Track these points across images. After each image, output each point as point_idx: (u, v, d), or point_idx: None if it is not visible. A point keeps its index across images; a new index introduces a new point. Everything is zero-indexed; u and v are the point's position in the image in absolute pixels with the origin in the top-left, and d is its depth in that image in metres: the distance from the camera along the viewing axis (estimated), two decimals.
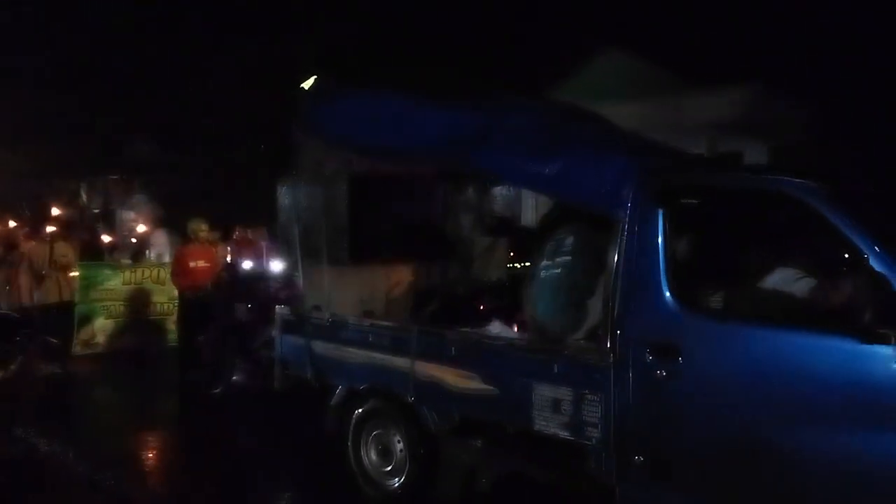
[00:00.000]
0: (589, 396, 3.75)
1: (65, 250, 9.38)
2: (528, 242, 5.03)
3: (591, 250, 4.14)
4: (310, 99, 5.25)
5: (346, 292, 5.13)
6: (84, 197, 20.30)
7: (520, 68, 20.34)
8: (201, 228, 8.62)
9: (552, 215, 4.87)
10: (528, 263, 5.16)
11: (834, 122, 15.21)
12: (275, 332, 5.47)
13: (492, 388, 4.14)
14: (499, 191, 5.52)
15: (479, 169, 4.29)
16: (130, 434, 6.72)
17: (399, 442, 4.74)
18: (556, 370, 3.87)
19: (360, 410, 4.94)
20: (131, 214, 17.80)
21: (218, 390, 7.86)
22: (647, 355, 3.57)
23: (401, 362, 4.56)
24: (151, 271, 9.94)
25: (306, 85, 6.23)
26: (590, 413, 3.75)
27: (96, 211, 20.58)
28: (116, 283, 9.60)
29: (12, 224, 13.08)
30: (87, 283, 9.49)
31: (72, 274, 9.39)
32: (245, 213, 15.87)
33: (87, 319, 9.45)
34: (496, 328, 4.36)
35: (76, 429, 6.88)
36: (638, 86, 15.61)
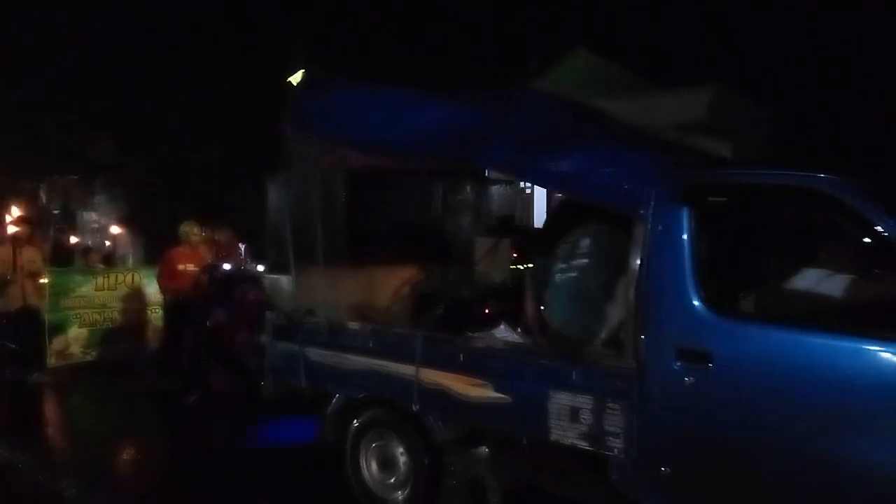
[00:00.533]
0: (611, 405, 3.53)
1: (33, 255, 8.67)
2: (530, 243, 4.83)
3: (608, 252, 3.94)
4: (300, 92, 4.96)
5: (341, 295, 4.84)
6: (43, 197, 19.66)
7: (489, 66, 20.30)
8: (193, 231, 8.22)
9: (559, 215, 4.67)
10: (531, 265, 4.98)
11: (791, 120, 15.48)
12: (264, 338, 5.20)
13: (505, 396, 3.89)
14: (496, 189, 5.31)
15: (489, 166, 4.06)
16: (99, 446, 6.34)
17: (402, 454, 4.48)
18: (575, 377, 3.64)
19: (359, 420, 4.66)
20: (93, 215, 17.27)
21: (193, 398, 7.48)
22: (675, 361, 3.37)
23: (404, 370, 4.29)
24: (126, 276, 9.44)
25: (295, 79, 5.96)
26: (612, 422, 3.53)
27: (56, 212, 20.01)
28: (89, 289, 9.01)
29: None
30: (58, 291, 8.84)
31: (41, 281, 8.67)
32: (209, 213, 15.53)
33: (59, 329, 8.84)
34: (502, 332, 4.14)
35: (40, 440, 6.56)
36: (606, 85, 15.66)
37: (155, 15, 20.03)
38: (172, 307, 8.23)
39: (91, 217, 18.32)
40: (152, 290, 8.96)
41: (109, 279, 9.17)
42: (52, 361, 8.66)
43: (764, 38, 17.34)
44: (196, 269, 8.14)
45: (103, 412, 7.65)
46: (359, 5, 19.64)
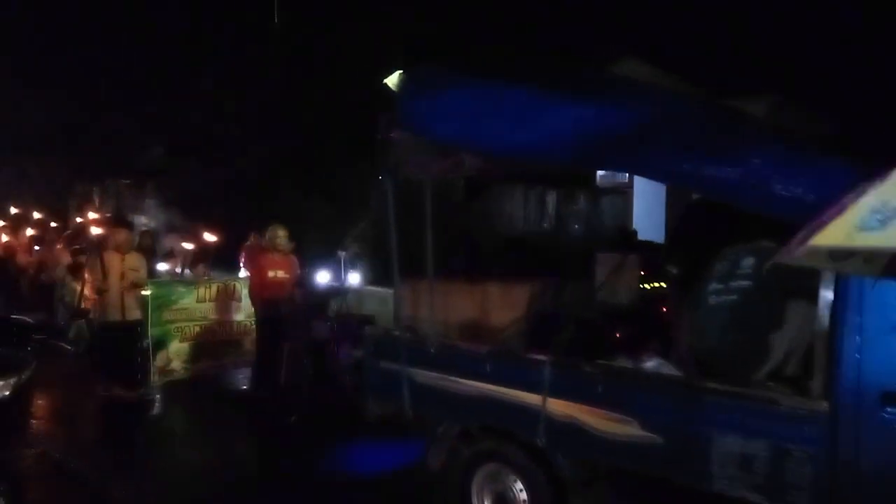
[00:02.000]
0: (795, 452, 2.93)
1: (136, 263, 7.88)
2: (668, 260, 4.27)
3: (776, 274, 3.37)
4: (409, 92, 4.49)
5: (450, 312, 4.34)
6: (97, 201, 19.66)
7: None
8: (279, 235, 7.62)
9: (695, 227, 4.10)
10: (660, 284, 4.41)
11: (851, 123, 14.58)
12: (362, 354, 4.73)
13: (654, 435, 3.29)
14: (607, 199, 4.76)
15: (651, 175, 3.51)
16: (195, 469, 5.84)
17: (521, 490, 3.88)
18: (747, 418, 3.07)
19: (471, 451, 4.10)
20: (143, 219, 17.21)
21: (293, 418, 6.90)
22: (882, 406, 2.80)
23: (529, 399, 3.71)
24: (227, 286, 8.64)
25: (391, 80, 5.51)
26: (796, 473, 2.89)
27: (108, 215, 20.08)
28: (190, 301, 8.31)
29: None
30: (160, 303, 7.96)
31: (143, 292, 7.91)
32: (260, 219, 15.23)
33: (161, 344, 7.99)
34: (654, 364, 3.58)
35: (137, 463, 6.06)
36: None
37: (206, 24, 20.00)
38: (265, 318, 7.66)
39: (141, 221, 18.29)
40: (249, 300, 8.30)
41: (210, 290, 8.44)
42: (155, 379, 7.98)
43: (828, 45, 16.42)
44: (287, 276, 7.63)
45: (201, 432, 7.09)
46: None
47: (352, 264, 8.05)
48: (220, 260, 10.11)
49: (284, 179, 19.78)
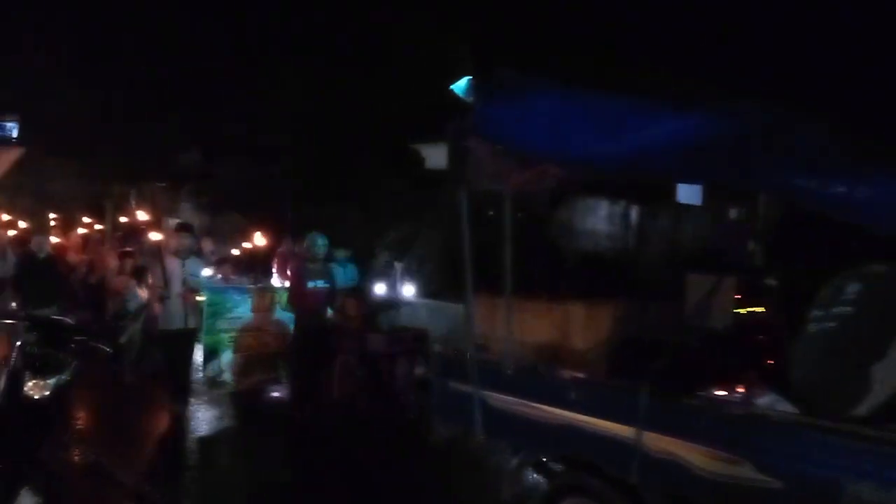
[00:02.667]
0: None
1: (195, 268, 7.61)
2: (755, 283, 3.93)
3: (885, 301, 3.03)
4: (486, 97, 4.19)
5: (527, 331, 4.04)
6: (133, 203, 19.68)
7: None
8: (318, 244, 7.40)
9: (802, 251, 3.76)
10: (757, 309, 4.06)
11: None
12: (424, 372, 4.43)
13: (769, 479, 2.97)
14: (691, 214, 4.41)
15: (767, 190, 3.20)
16: (235, 491, 5.61)
17: None
18: (887, 467, 2.75)
19: (552, 484, 3.80)
20: (176, 222, 17.15)
21: (345, 438, 6.57)
22: None
23: (620, 431, 3.40)
24: (280, 296, 8.15)
25: (458, 87, 5.22)
26: None
27: (168, 219, 20.07)
28: (244, 309, 7.82)
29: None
30: (214, 311, 7.60)
31: (199, 298, 7.50)
32: (294, 226, 15.05)
33: (213, 354, 7.64)
34: (768, 399, 3.23)
35: (179, 479, 5.81)
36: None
37: (245, 33, 19.97)
38: (306, 328, 7.28)
39: (174, 223, 18.23)
40: None
41: (264, 299, 8.08)
42: (207, 389, 7.74)
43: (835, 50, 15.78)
44: (328, 286, 7.37)
45: (243, 445, 6.83)
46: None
47: (406, 275, 7.76)
48: (252, 267, 9.87)
49: (318, 189, 19.71)
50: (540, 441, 3.77)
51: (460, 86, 5.16)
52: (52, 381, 4.64)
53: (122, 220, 15.84)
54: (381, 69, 20.33)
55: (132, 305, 8.63)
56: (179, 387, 7.40)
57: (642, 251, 4.09)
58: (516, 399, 3.81)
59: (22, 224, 14.14)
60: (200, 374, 7.70)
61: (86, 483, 5.38)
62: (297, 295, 7.36)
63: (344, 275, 8.83)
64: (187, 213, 16.65)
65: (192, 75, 18.96)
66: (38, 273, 8.43)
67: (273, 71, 18.58)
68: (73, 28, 19.27)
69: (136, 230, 11.05)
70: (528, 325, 3.96)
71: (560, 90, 3.86)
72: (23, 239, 11.61)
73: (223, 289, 8.14)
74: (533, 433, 3.77)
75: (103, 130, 18.57)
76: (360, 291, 7.76)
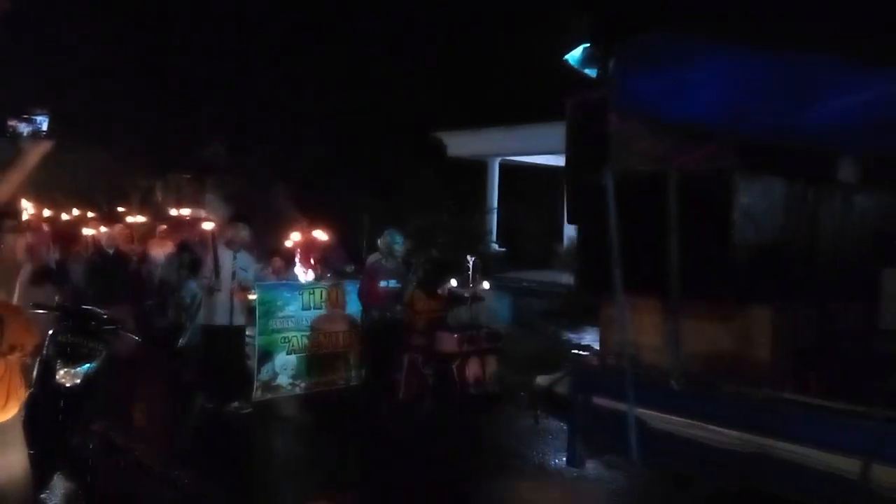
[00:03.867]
0: None
1: (246, 262, 6.95)
2: None
3: None
4: (632, 65, 3.48)
5: (688, 339, 3.34)
6: (159, 195, 18.99)
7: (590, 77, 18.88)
8: (396, 242, 6.76)
9: None
10: None
11: None
12: (561, 386, 3.74)
13: None
14: (863, 198, 3.69)
15: None
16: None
17: None
18: None
19: None
20: (202, 213, 16.48)
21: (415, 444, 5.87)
22: None
23: (836, 463, 2.74)
24: (330, 292, 7.42)
25: (573, 56, 4.50)
26: None
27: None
28: (296, 307, 7.12)
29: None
30: (267, 309, 6.92)
31: (250, 297, 6.87)
32: (316, 217, 14.52)
33: (267, 356, 6.96)
34: None
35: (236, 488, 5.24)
36: None
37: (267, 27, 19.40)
38: (376, 330, 6.66)
39: (200, 215, 17.55)
40: (354, 308, 7.26)
41: (315, 296, 7.35)
42: (258, 395, 6.94)
43: None
44: (400, 285, 6.74)
45: (308, 457, 6.04)
46: None
47: (479, 270, 7.03)
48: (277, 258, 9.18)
49: (339, 178, 19.03)
50: (719, 470, 3.09)
51: (575, 56, 4.46)
52: (82, 370, 4.65)
53: (172, 212, 15.07)
54: (404, 58, 19.74)
55: (188, 299, 7.94)
56: (223, 386, 6.78)
57: (832, 243, 3.38)
58: (687, 420, 3.13)
59: (65, 216, 13.28)
60: (255, 378, 6.97)
61: (117, 470, 5.31)
62: (368, 294, 6.70)
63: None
64: (213, 204, 15.96)
65: (218, 67, 18.29)
66: (108, 270, 7.71)
67: (297, 62, 17.94)
68: (101, 22, 18.56)
69: (186, 221, 10.29)
70: (696, 332, 3.28)
71: (738, 49, 3.14)
72: (68, 232, 10.76)
73: (274, 285, 7.42)
74: (709, 461, 3.10)
75: (130, 123, 17.92)
76: (429, 286, 6.98)
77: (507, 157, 17.67)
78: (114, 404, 6.50)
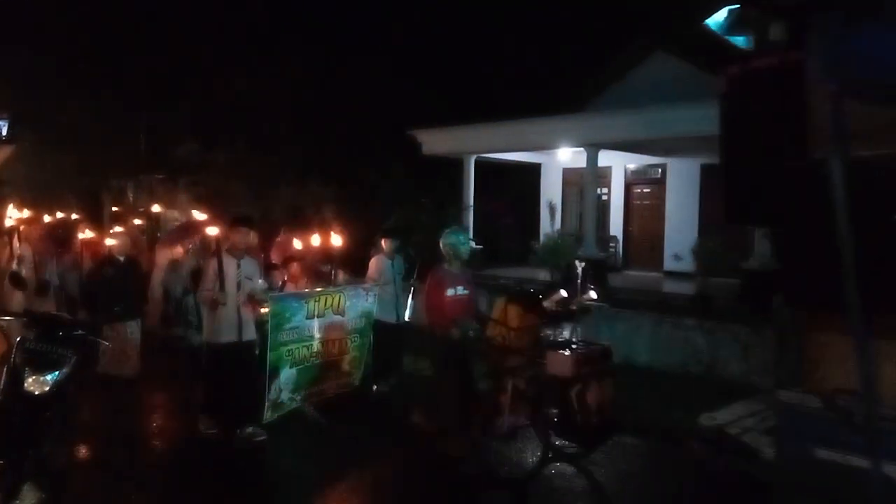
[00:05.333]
0: None
1: (251, 269, 6.21)
2: None
3: None
4: (841, 28, 2.65)
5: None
6: (131, 196, 17.66)
7: (565, 74, 18.36)
8: (461, 242, 5.73)
9: None
10: None
11: None
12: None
13: None
14: None
15: None
16: None
17: None
18: None
19: None
20: (175, 213, 15.26)
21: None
22: None
23: None
24: (332, 299, 6.58)
25: (715, 20, 3.66)
26: None
27: (142, 210, 18.04)
28: (301, 318, 6.32)
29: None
30: (277, 322, 6.05)
31: (262, 310, 6.09)
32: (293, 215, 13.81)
33: (275, 372, 6.09)
34: None
35: None
36: (686, 90, 13.49)
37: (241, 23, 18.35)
38: (450, 351, 5.58)
39: (173, 216, 16.36)
40: (354, 313, 6.56)
41: (319, 303, 6.43)
42: (268, 415, 5.98)
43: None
44: (467, 293, 5.73)
45: (335, 478, 5.31)
46: None
47: (589, 276, 6.08)
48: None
49: (313, 178, 17.96)
50: None
51: (718, 20, 3.61)
52: (51, 377, 4.51)
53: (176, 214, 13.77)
54: (379, 55, 18.84)
55: (190, 317, 6.87)
56: (234, 410, 5.95)
57: None
58: None
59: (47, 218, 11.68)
60: (266, 397, 5.99)
61: (87, 478, 5.22)
62: (434, 306, 5.66)
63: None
64: (185, 204, 14.75)
65: (188, 64, 17.03)
66: (118, 280, 6.79)
67: (270, 60, 16.84)
68: (68, 21, 17.09)
69: (190, 225, 9.07)
70: None
71: None
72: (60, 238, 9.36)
73: (285, 296, 6.52)
74: None
75: (98, 123, 16.50)
76: (525, 297, 6.00)
77: (484, 155, 16.97)
78: (85, 412, 6.29)
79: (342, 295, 6.62)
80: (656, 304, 11.46)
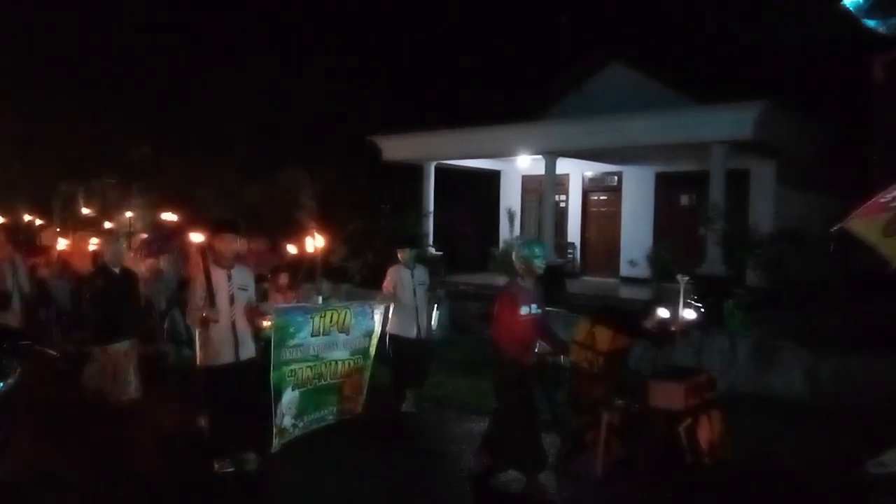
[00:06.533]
0: None
1: (245, 280, 5.54)
2: None
3: None
4: None
5: None
6: (81, 201, 16.83)
7: (524, 82, 18.56)
8: (536, 255, 5.03)
9: None
10: None
11: (838, 139, 13.90)
12: None
13: None
14: None
15: None
16: None
17: None
18: None
19: None
20: (128, 218, 14.65)
21: None
22: None
23: None
24: (338, 315, 5.78)
25: (853, 2, 3.63)
26: None
27: (92, 215, 17.19)
28: (305, 334, 5.49)
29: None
30: (281, 337, 5.28)
31: (264, 323, 5.49)
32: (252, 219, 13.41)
33: (278, 395, 5.35)
34: None
35: None
36: (642, 100, 13.94)
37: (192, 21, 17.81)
38: (522, 379, 4.86)
39: (125, 221, 15.70)
40: (357, 333, 5.89)
41: (325, 320, 5.68)
42: (275, 443, 5.28)
43: (815, 51, 15.90)
44: (539, 311, 5.05)
45: None
46: None
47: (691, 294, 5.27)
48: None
49: (273, 181, 17.53)
50: None
51: (857, 1, 3.53)
52: None
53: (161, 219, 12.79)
54: (340, 59, 18.54)
55: (177, 330, 6.32)
56: (237, 437, 5.34)
57: None
58: None
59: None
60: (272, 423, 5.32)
61: (31, 491, 4.99)
62: (506, 327, 4.94)
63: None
64: (137, 210, 14.09)
65: (141, 66, 16.33)
66: (115, 296, 5.96)
67: (228, 61, 16.33)
68: (16, 19, 16.11)
69: (168, 232, 8.24)
70: None
71: None
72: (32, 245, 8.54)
73: (289, 309, 5.74)
74: None
75: (48, 125, 15.60)
76: (616, 316, 5.28)
77: (444, 161, 16.97)
78: (31, 424, 5.90)
79: (348, 311, 5.95)
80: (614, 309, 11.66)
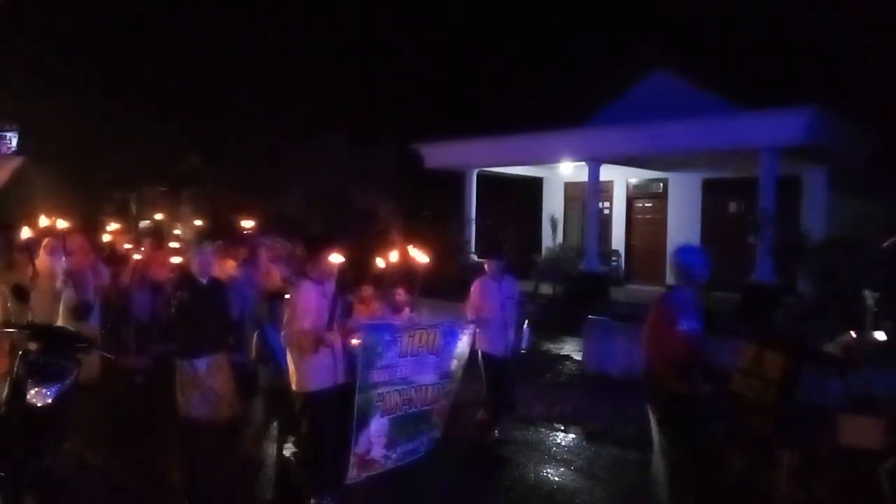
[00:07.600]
0: None
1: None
2: None
3: None
4: None
5: None
6: (133, 209, 17.08)
7: (567, 90, 18.41)
8: (694, 265, 4.49)
9: None
10: None
11: (894, 144, 13.48)
12: None
13: None
14: None
15: None
16: None
17: None
18: None
19: None
20: (178, 226, 14.76)
21: None
22: None
23: None
24: (428, 336, 5.34)
25: None
26: None
27: (146, 223, 17.44)
28: (394, 354, 5.09)
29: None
30: (369, 357, 4.91)
31: (354, 341, 4.94)
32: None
33: (363, 420, 4.93)
34: None
35: None
36: (686, 107, 13.68)
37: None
38: (682, 405, 4.23)
39: (195, 229, 15.90)
40: (446, 354, 5.44)
41: (414, 339, 5.27)
42: (353, 474, 4.88)
43: (865, 53, 15.52)
44: (699, 329, 4.43)
45: None
46: None
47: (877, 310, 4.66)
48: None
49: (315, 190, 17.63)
50: None
51: None
52: (53, 389, 4.46)
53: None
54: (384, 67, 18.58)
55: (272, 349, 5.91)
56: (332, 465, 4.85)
57: None
58: None
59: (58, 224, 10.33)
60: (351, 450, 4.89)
61: (88, 490, 5.09)
62: (660, 343, 4.31)
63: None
64: (187, 216, 14.27)
65: (192, 76, 16.56)
66: (203, 307, 5.41)
67: (272, 71, 16.47)
68: (70, 34, 16.51)
69: (245, 237, 7.69)
70: None
71: None
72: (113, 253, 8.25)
73: (377, 326, 5.29)
74: None
75: (102, 136, 15.90)
76: (789, 340, 4.62)
77: (486, 169, 16.90)
78: (88, 424, 5.94)
79: (438, 331, 5.51)
80: None
